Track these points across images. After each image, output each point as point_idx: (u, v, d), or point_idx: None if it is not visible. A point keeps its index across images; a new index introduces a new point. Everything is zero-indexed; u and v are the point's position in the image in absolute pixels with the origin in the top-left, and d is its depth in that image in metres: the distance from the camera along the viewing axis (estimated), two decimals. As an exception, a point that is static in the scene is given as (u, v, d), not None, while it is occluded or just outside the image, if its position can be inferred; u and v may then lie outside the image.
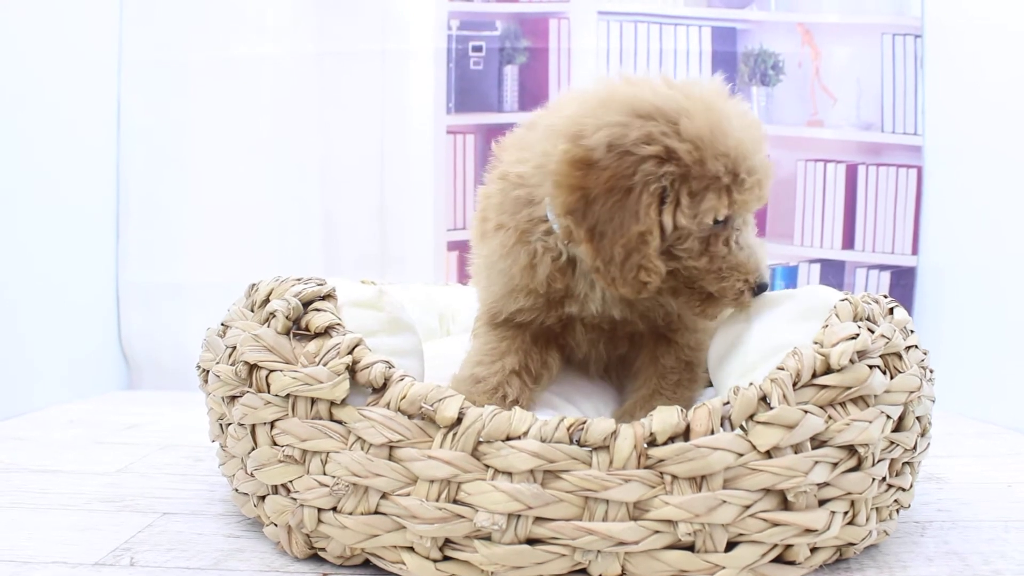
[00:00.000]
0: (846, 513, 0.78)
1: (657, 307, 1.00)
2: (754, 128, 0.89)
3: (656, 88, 0.87)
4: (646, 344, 1.06)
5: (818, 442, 0.75)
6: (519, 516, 0.72)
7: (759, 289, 0.92)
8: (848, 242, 1.95)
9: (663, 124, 0.84)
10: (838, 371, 0.76)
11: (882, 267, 1.94)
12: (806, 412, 0.74)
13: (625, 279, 0.87)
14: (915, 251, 1.93)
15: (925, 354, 0.91)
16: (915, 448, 0.85)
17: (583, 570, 0.74)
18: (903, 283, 1.93)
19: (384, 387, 0.78)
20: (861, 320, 0.83)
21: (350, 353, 0.80)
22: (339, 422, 0.79)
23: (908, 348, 0.86)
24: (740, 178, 0.86)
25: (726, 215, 0.89)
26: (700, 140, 0.84)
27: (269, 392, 0.82)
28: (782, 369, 0.76)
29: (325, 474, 0.79)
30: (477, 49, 1.97)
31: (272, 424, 0.82)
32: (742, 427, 0.74)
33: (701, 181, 0.85)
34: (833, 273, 1.95)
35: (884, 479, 0.81)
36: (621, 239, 0.85)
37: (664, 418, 0.73)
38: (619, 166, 0.84)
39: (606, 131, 0.84)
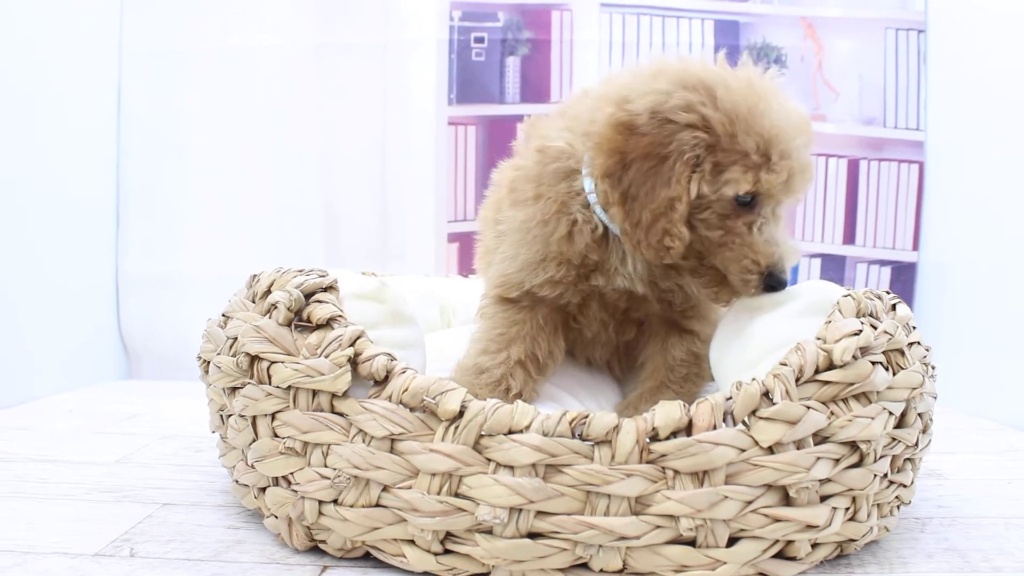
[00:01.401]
0: (847, 509, 0.78)
1: (678, 289, 1.01)
2: (799, 121, 0.91)
3: (706, 64, 0.91)
4: (655, 333, 1.06)
5: (820, 438, 0.75)
6: (520, 510, 0.72)
7: (771, 279, 0.92)
8: (849, 237, 1.95)
9: (703, 94, 0.87)
10: (841, 367, 0.76)
11: (883, 262, 1.94)
12: (808, 408, 0.74)
13: (650, 242, 0.89)
14: (916, 247, 1.93)
15: (927, 351, 0.91)
16: (916, 444, 0.85)
17: (584, 564, 0.74)
18: (903, 279, 1.93)
19: (386, 380, 0.78)
20: (864, 316, 0.83)
21: (352, 345, 0.79)
22: (340, 414, 0.79)
23: (910, 344, 0.86)
24: (771, 160, 0.88)
25: (749, 192, 0.90)
26: (735, 114, 0.87)
27: (270, 384, 0.82)
28: (785, 365, 0.76)
29: (326, 466, 0.78)
30: (479, 40, 1.96)
31: (273, 416, 0.82)
32: (744, 422, 0.74)
33: (729, 154, 0.88)
34: (834, 268, 1.95)
35: (885, 475, 0.81)
36: (651, 203, 0.88)
37: (666, 413, 0.73)
38: (659, 133, 0.87)
39: (650, 98, 0.88)
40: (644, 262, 0.97)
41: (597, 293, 1.01)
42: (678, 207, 0.88)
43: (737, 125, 0.87)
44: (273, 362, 0.81)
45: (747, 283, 0.93)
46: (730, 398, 0.75)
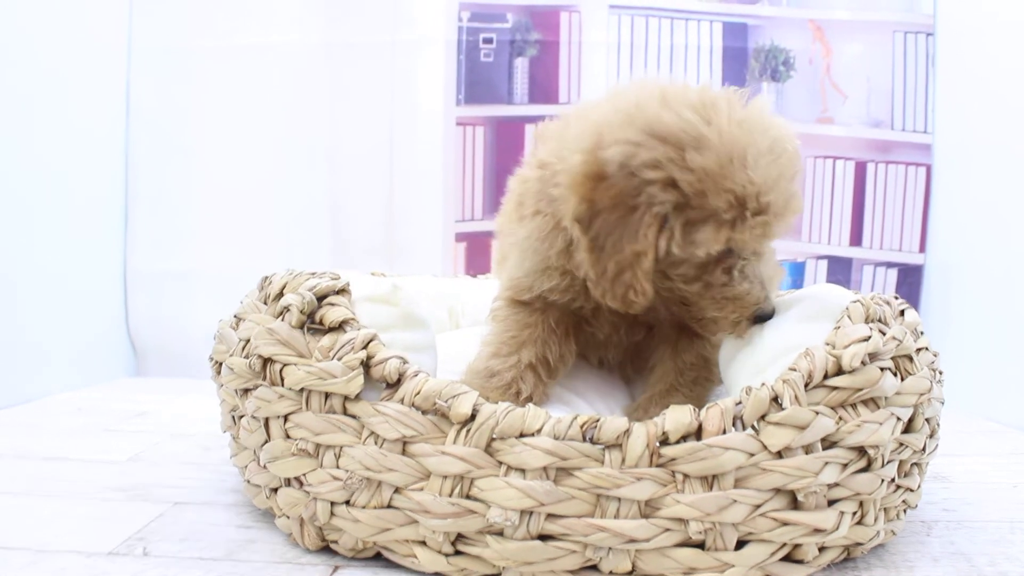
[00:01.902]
0: (855, 513, 0.78)
1: (680, 304, 0.99)
2: (780, 164, 0.86)
3: (681, 110, 0.85)
4: (666, 336, 1.07)
5: (829, 443, 0.76)
6: (531, 512, 0.73)
7: (758, 318, 0.92)
8: (856, 239, 1.96)
9: (672, 151, 0.83)
10: (850, 373, 0.76)
11: (889, 264, 1.95)
12: (817, 413, 0.74)
13: (614, 294, 0.88)
14: (922, 249, 1.94)
15: (935, 356, 0.92)
16: (924, 449, 0.86)
17: (594, 566, 0.74)
18: (910, 281, 1.93)
19: (398, 382, 0.79)
20: (873, 322, 0.83)
21: (364, 348, 0.80)
22: (353, 416, 0.79)
23: (919, 350, 0.87)
24: (745, 216, 0.84)
25: (720, 250, 0.88)
26: (705, 173, 0.83)
27: (283, 386, 0.82)
28: (794, 370, 0.77)
29: (338, 468, 0.79)
30: (488, 41, 1.97)
31: (286, 417, 0.83)
32: (754, 427, 0.75)
33: (700, 212, 0.84)
34: (840, 270, 1.96)
35: (893, 480, 0.82)
36: (617, 255, 0.86)
37: (676, 417, 0.74)
38: (626, 185, 0.84)
39: (618, 148, 0.84)
40: None
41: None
42: (643, 262, 0.86)
43: (707, 184, 0.83)
44: (286, 364, 0.82)
45: (737, 327, 0.93)
46: (740, 403, 0.75)
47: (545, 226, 0.97)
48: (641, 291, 0.87)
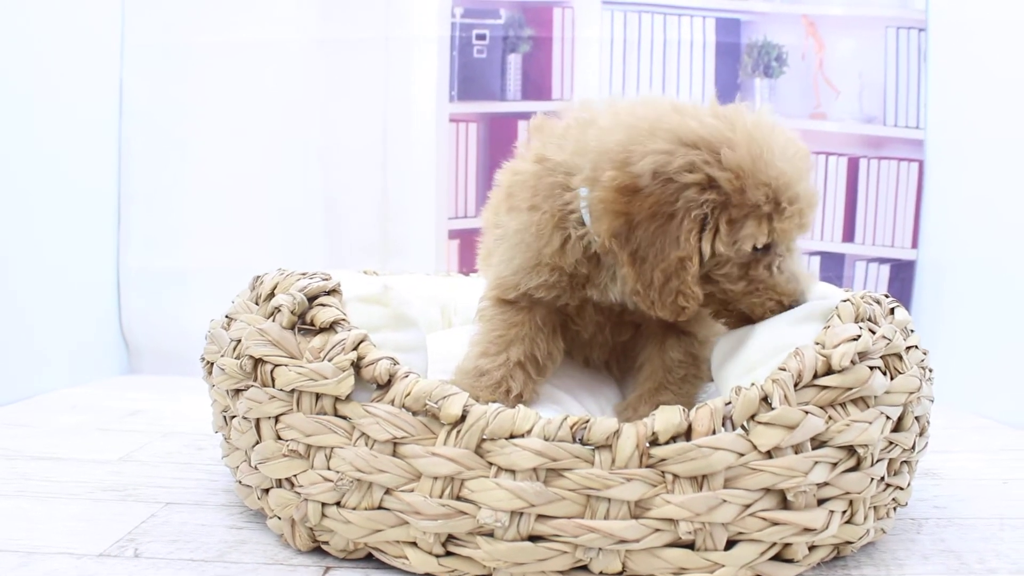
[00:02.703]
0: (844, 512, 0.79)
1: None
2: (799, 158, 0.90)
3: (703, 118, 0.88)
4: (653, 335, 1.07)
5: (818, 442, 0.76)
6: (522, 513, 0.73)
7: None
8: (848, 235, 1.96)
9: (706, 153, 0.86)
10: (839, 372, 0.77)
11: (882, 260, 1.95)
12: (807, 413, 0.75)
13: (663, 303, 0.89)
14: (915, 245, 1.94)
15: (925, 354, 0.92)
16: (913, 448, 0.86)
17: (584, 567, 0.74)
18: (902, 276, 1.94)
19: (389, 383, 0.79)
20: (862, 321, 0.83)
21: (355, 349, 0.80)
22: (344, 418, 0.79)
23: (908, 349, 0.87)
24: (781, 207, 0.88)
25: (766, 242, 0.90)
26: (741, 169, 0.86)
27: (274, 387, 0.82)
28: (784, 370, 0.77)
29: (329, 469, 0.79)
30: (481, 37, 1.96)
31: (277, 419, 0.83)
32: (743, 427, 0.75)
33: (741, 209, 0.87)
34: (833, 265, 1.96)
35: (882, 478, 0.82)
36: (661, 263, 0.87)
37: (666, 418, 0.74)
38: (662, 192, 0.85)
39: (651, 159, 0.86)
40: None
41: (592, 299, 1.02)
42: (689, 267, 0.87)
43: (745, 180, 0.86)
44: (277, 365, 0.82)
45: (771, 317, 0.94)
46: (729, 403, 0.75)
47: (543, 221, 0.96)
48: (691, 295, 0.88)
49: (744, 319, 0.95)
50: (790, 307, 0.93)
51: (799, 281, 0.94)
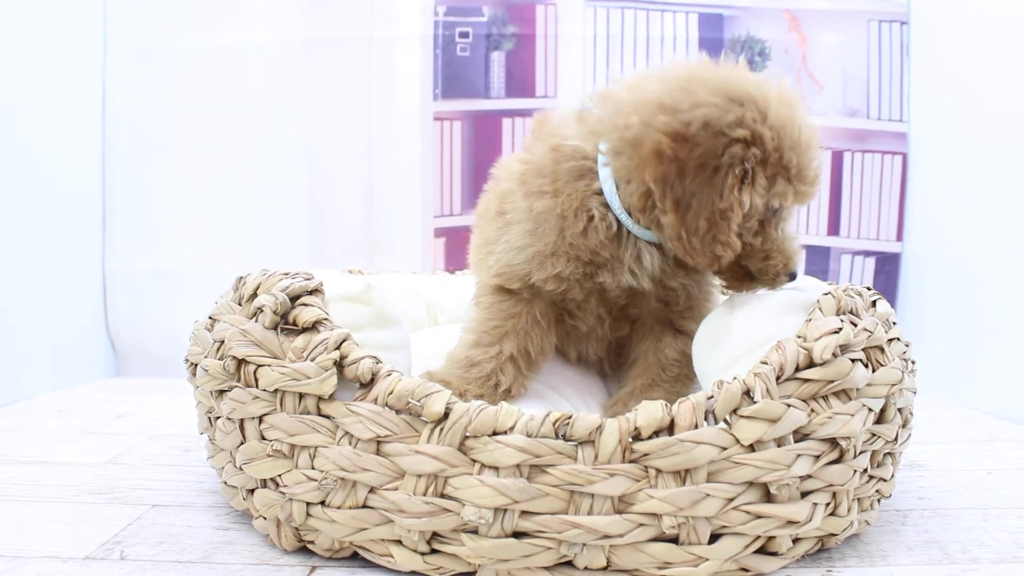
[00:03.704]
0: (828, 504, 0.79)
1: (682, 288, 1.02)
2: (816, 130, 0.95)
3: (746, 74, 0.93)
4: (650, 331, 1.07)
5: (801, 435, 0.76)
6: (505, 510, 0.73)
7: (791, 277, 0.97)
8: (833, 228, 1.97)
9: (753, 110, 0.89)
10: (821, 365, 0.77)
11: (867, 253, 1.96)
12: (789, 406, 0.75)
13: (704, 250, 0.91)
14: (900, 237, 1.95)
15: (907, 346, 0.92)
16: (896, 439, 0.87)
17: (569, 562, 0.75)
18: (887, 269, 1.94)
19: (372, 382, 0.79)
20: (844, 314, 0.84)
21: (338, 348, 0.80)
22: (327, 417, 0.79)
23: (890, 341, 0.87)
24: (804, 172, 0.92)
25: (790, 204, 0.94)
26: (782, 130, 0.90)
27: (257, 387, 0.82)
28: (765, 363, 0.77)
29: (313, 468, 0.79)
30: (464, 35, 1.96)
31: (260, 419, 0.83)
32: (726, 421, 0.75)
33: (776, 168, 0.91)
34: (818, 259, 1.96)
35: (866, 470, 0.82)
36: (706, 212, 0.89)
37: (649, 412, 0.74)
38: (712, 145, 0.88)
39: (704, 110, 0.88)
40: (660, 258, 0.99)
41: (598, 290, 1.01)
42: (731, 217, 0.90)
43: (784, 141, 0.90)
44: (260, 365, 0.82)
45: (774, 280, 0.96)
46: (712, 397, 0.76)
47: (568, 204, 0.97)
48: (730, 244, 0.91)
49: (746, 279, 0.97)
50: (790, 275, 0.96)
51: (796, 244, 0.98)
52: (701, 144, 0.88)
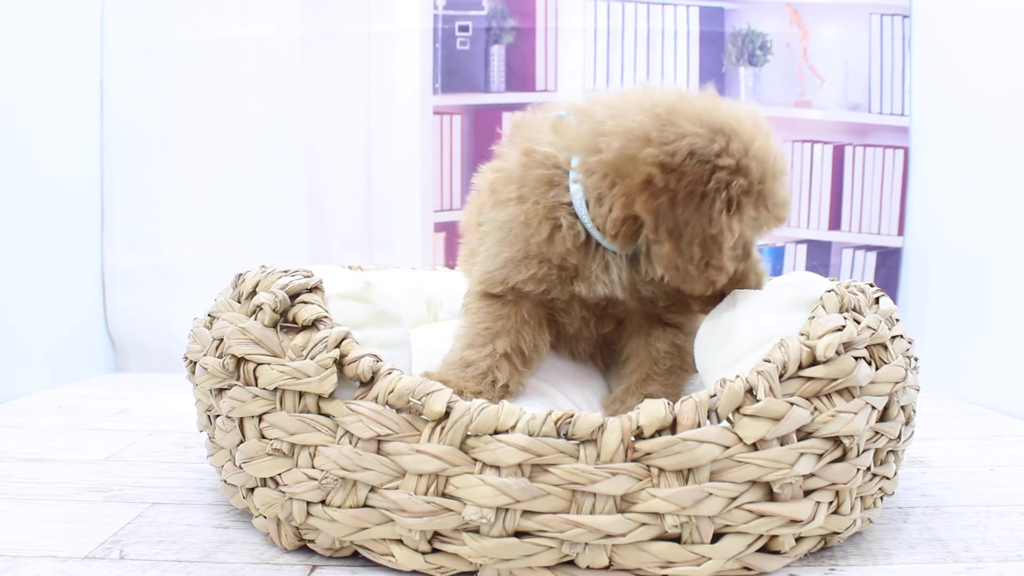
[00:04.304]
0: (831, 503, 0.79)
1: (660, 294, 1.03)
2: (785, 158, 0.98)
3: (724, 105, 0.95)
4: (639, 327, 1.08)
5: (804, 434, 0.76)
6: (507, 509, 0.73)
7: None
8: (835, 223, 1.96)
9: (737, 142, 0.91)
10: (824, 363, 0.77)
11: (868, 248, 1.95)
12: (792, 404, 0.74)
13: (700, 276, 0.93)
14: (901, 232, 1.94)
15: (910, 343, 0.92)
16: (899, 437, 0.86)
17: (571, 562, 0.74)
18: (889, 264, 1.94)
19: (372, 381, 0.78)
20: (847, 311, 0.83)
21: (337, 346, 0.80)
22: (327, 416, 0.79)
23: (893, 338, 0.87)
24: (779, 199, 0.95)
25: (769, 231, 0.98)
26: (764, 161, 0.92)
27: (257, 385, 0.82)
28: (768, 361, 0.77)
29: (314, 467, 0.79)
30: (464, 29, 1.95)
31: (260, 417, 0.82)
32: (729, 420, 0.75)
33: (759, 197, 0.93)
34: (819, 254, 1.96)
35: (869, 468, 0.82)
36: (698, 239, 0.91)
37: (651, 411, 0.74)
38: (698, 172, 0.89)
39: (689, 140, 0.90)
40: (628, 271, 0.99)
41: (578, 296, 1.03)
42: (723, 241, 0.91)
43: (766, 171, 0.92)
44: (259, 364, 0.81)
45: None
46: (714, 395, 0.75)
47: (532, 212, 0.98)
48: (724, 268, 0.93)
49: (717, 298, 0.99)
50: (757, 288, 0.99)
51: (761, 265, 1.02)
52: (688, 173, 0.89)
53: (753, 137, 0.92)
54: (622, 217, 0.93)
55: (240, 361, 0.84)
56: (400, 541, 0.77)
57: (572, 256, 0.98)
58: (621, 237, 0.94)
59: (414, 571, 0.77)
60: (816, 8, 1.94)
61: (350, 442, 0.77)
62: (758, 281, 1.00)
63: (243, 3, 1.97)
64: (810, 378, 0.76)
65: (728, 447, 0.73)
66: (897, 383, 0.82)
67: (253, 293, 0.87)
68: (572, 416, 0.74)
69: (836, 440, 0.77)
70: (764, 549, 0.77)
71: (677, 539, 0.74)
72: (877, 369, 0.81)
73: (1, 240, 1.60)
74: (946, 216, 1.81)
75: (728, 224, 0.91)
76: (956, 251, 1.76)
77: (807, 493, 0.77)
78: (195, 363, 0.94)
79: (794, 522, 0.75)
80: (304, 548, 0.84)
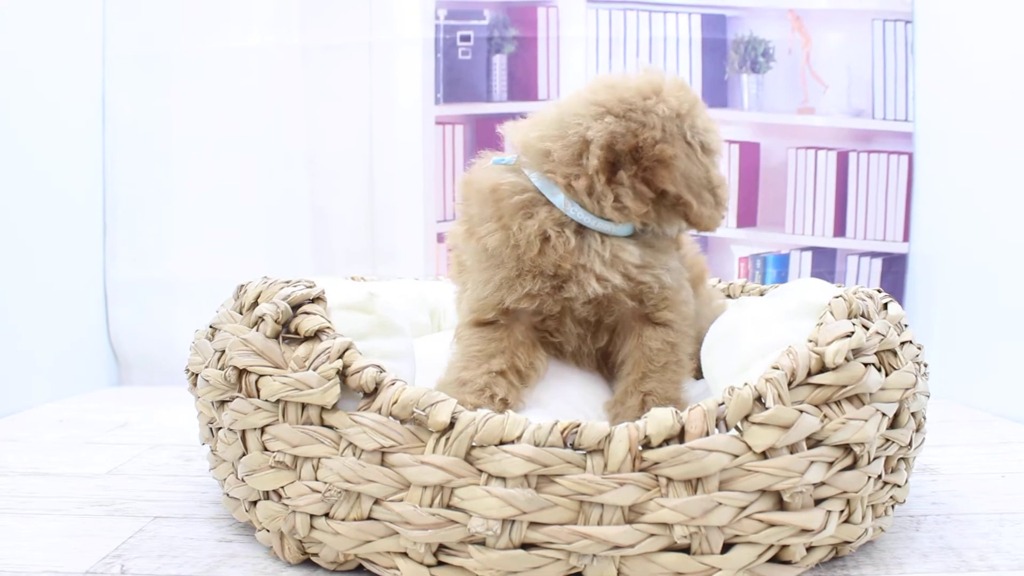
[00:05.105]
0: (842, 512, 0.78)
1: (654, 279, 1.03)
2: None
3: (666, 78, 1.05)
4: (631, 330, 1.07)
5: (813, 441, 0.75)
6: (513, 521, 0.72)
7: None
8: (839, 230, 1.95)
9: (655, 95, 1.01)
10: (833, 370, 0.75)
11: (873, 254, 1.94)
12: (801, 412, 0.73)
13: (721, 214, 1.06)
14: (906, 238, 1.93)
15: (919, 349, 0.91)
16: (910, 444, 0.85)
17: (579, 574, 0.73)
18: (894, 270, 1.93)
19: (375, 392, 0.77)
20: (855, 317, 0.82)
21: (340, 357, 0.79)
22: (330, 427, 0.78)
23: (903, 344, 0.86)
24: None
25: None
26: (679, 97, 1.02)
27: (259, 397, 0.81)
28: (777, 368, 0.75)
29: (317, 480, 0.78)
30: (465, 39, 1.95)
31: (262, 430, 0.81)
32: (737, 428, 0.73)
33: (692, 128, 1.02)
34: (824, 261, 1.95)
35: (880, 476, 0.81)
36: (706, 185, 1.03)
37: (659, 420, 0.72)
38: (679, 132, 1.00)
39: (661, 107, 1.00)
40: (639, 249, 1.03)
41: (570, 308, 1.03)
42: (714, 173, 1.05)
43: (681, 103, 1.02)
44: (261, 375, 0.81)
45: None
46: (722, 403, 0.74)
47: (518, 234, 0.99)
48: (727, 195, 1.07)
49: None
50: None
51: None
52: (673, 134, 0.99)
53: (656, 84, 1.02)
54: (643, 199, 0.99)
55: (242, 373, 0.83)
56: (405, 554, 0.76)
57: (567, 261, 0.99)
58: (645, 216, 1.01)
59: (419, 584, 0.76)
60: (818, 14, 1.93)
61: (353, 454, 0.76)
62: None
63: (244, 14, 1.96)
64: (819, 385, 0.75)
65: (737, 456, 0.72)
66: (907, 389, 0.81)
67: (255, 304, 0.86)
68: (579, 426, 0.73)
69: (846, 448, 0.76)
70: (775, 559, 0.75)
71: (686, 550, 0.73)
72: (887, 375, 0.80)
73: (3, 253, 1.60)
74: (952, 221, 1.80)
75: (710, 162, 1.03)
76: (962, 257, 1.75)
77: (818, 502, 0.75)
78: (197, 375, 0.94)
79: (805, 531, 0.74)
80: (308, 562, 0.83)
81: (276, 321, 0.81)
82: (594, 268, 0.99)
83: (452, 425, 0.74)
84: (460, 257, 1.15)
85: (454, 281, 1.24)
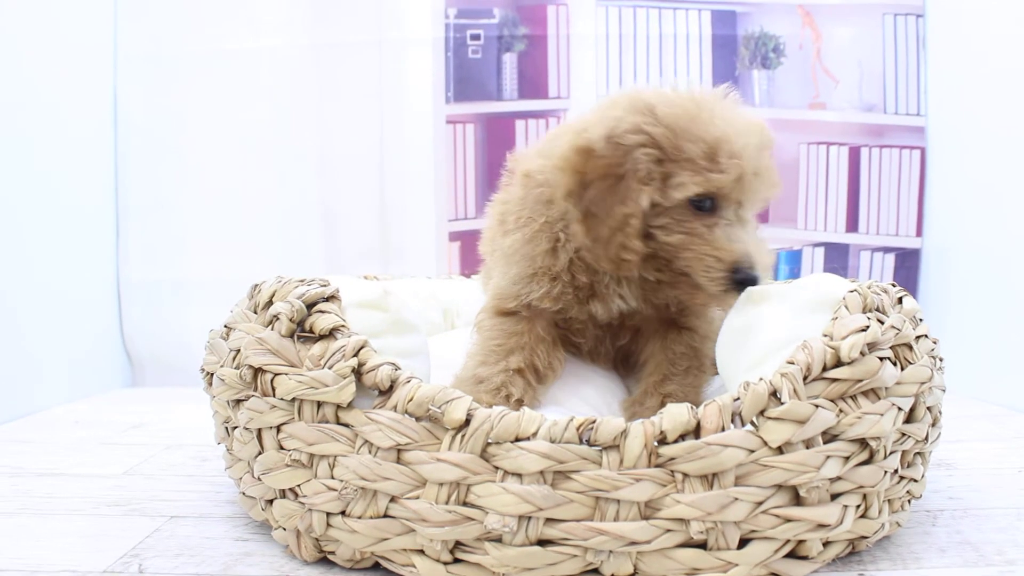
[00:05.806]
0: (858, 506, 0.77)
1: (672, 299, 1.03)
2: (747, 125, 0.95)
3: (658, 90, 0.97)
4: (655, 332, 1.08)
5: (829, 436, 0.75)
6: (530, 518, 0.72)
7: (739, 275, 0.94)
8: (852, 225, 1.94)
9: (647, 115, 0.93)
10: (848, 364, 0.75)
11: (886, 249, 1.93)
12: (817, 406, 0.73)
13: (608, 256, 0.95)
14: (919, 233, 1.92)
15: (935, 343, 0.90)
16: (926, 439, 0.85)
17: (595, 570, 0.73)
18: (907, 265, 1.92)
19: (391, 389, 0.77)
20: (870, 311, 0.82)
21: (356, 355, 0.79)
22: (346, 425, 0.78)
23: (918, 338, 0.85)
24: (718, 161, 0.92)
25: (700, 194, 0.93)
26: (677, 125, 0.92)
27: (275, 396, 0.81)
28: (792, 363, 0.75)
29: (333, 478, 0.78)
30: (475, 37, 1.95)
31: (278, 428, 0.82)
32: (753, 423, 0.73)
33: (676, 162, 0.92)
34: (837, 256, 1.94)
35: (896, 471, 0.80)
36: (609, 220, 0.93)
37: (674, 416, 0.72)
38: (613, 155, 0.92)
39: (604, 124, 0.93)
40: (635, 282, 1.01)
41: (592, 317, 1.04)
42: (632, 223, 0.93)
43: (679, 135, 0.92)
44: (277, 374, 0.81)
45: (713, 281, 0.94)
46: (738, 399, 0.74)
47: (532, 229, 1.01)
48: (633, 248, 0.93)
49: (689, 285, 0.97)
50: (733, 270, 0.94)
51: (745, 245, 0.95)
52: (604, 156, 0.93)
53: (665, 104, 0.93)
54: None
55: (257, 372, 0.83)
56: (421, 551, 0.76)
57: (581, 273, 1.00)
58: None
59: (436, 581, 0.76)
60: (829, 9, 1.93)
61: (369, 452, 0.76)
62: (718, 259, 0.95)
63: (255, 14, 1.97)
64: (835, 379, 0.75)
65: (753, 451, 0.72)
66: (923, 383, 0.81)
67: (269, 303, 0.86)
68: (594, 422, 0.73)
69: (863, 442, 0.76)
70: (791, 555, 0.75)
71: (703, 545, 0.72)
72: (902, 369, 0.80)
73: (16, 255, 1.61)
74: (965, 216, 1.80)
75: (637, 200, 0.92)
76: (976, 251, 1.74)
77: (834, 497, 0.75)
78: (212, 375, 0.94)
79: (821, 526, 0.74)
80: (324, 560, 0.83)
81: (291, 320, 0.82)
82: (612, 285, 1.01)
83: (468, 422, 0.74)
84: (486, 267, 1.17)
85: (483, 286, 1.25)
